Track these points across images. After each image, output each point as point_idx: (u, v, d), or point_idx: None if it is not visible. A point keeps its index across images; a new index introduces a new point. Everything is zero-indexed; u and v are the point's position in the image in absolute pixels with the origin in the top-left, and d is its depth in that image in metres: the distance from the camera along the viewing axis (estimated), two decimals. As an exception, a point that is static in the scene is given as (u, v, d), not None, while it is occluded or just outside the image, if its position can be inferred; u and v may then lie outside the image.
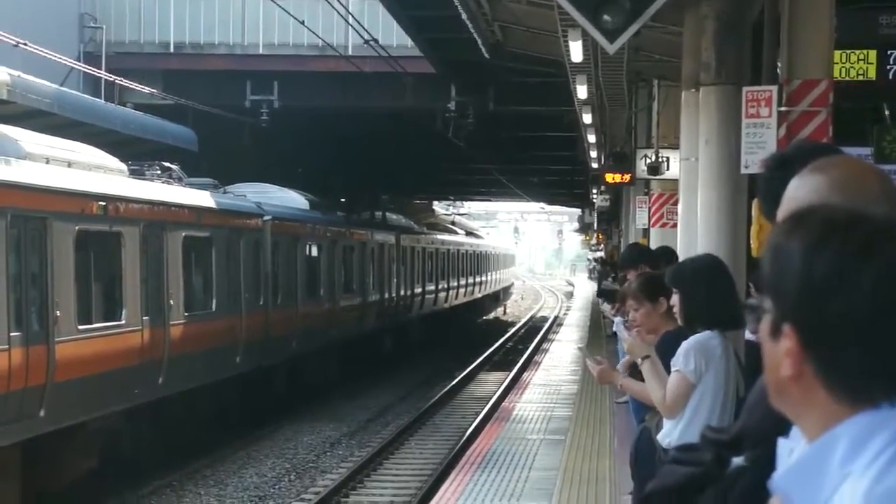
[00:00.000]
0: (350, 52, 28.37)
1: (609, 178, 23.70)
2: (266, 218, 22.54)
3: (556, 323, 46.34)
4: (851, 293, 1.52)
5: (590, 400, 19.16)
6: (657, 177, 19.02)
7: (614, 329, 8.95)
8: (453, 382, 28.06)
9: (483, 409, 22.75)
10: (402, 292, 35.16)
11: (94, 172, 16.21)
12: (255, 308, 21.59)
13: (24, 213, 13.74)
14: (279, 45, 30.34)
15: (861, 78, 12.36)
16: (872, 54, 12.37)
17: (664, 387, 5.94)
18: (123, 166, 17.65)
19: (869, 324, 1.51)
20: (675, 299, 5.95)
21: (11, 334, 13.16)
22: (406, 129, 35.99)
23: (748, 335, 7.30)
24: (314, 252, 26.11)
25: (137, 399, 16.55)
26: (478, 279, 53.02)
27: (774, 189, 2.77)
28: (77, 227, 14.96)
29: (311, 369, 25.82)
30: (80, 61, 26.78)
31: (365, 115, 33.52)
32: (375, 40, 24.96)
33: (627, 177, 22.31)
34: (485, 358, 34.35)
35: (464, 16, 17.50)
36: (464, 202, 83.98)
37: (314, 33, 26.60)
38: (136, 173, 18.31)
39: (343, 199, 34.79)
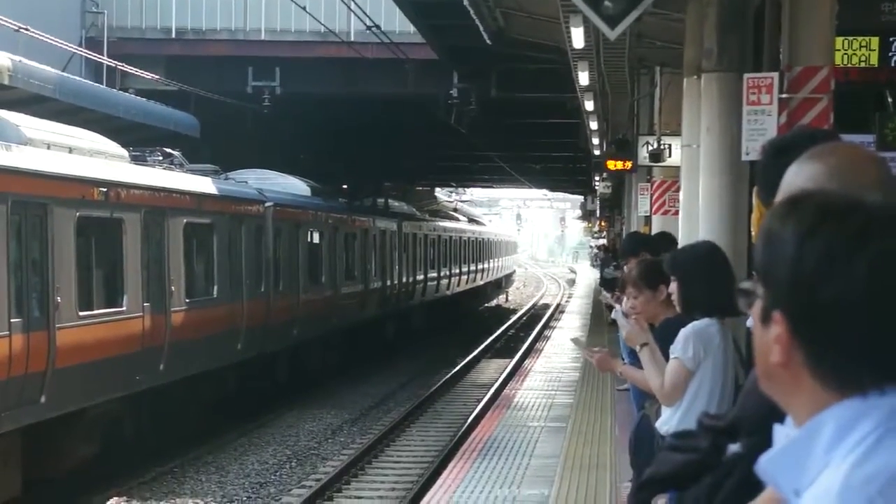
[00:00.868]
0: (352, 39, 28.37)
1: (611, 164, 23.68)
2: (268, 204, 22.52)
3: (559, 310, 46.34)
4: (843, 280, 1.51)
5: (591, 387, 19.16)
6: (659, 164, 19.01)
7: (613, 316, 8.93)
8: (455, 370, 28.06)
9: (484, 396, 22.76)
10: (403, 279, 35.14)
11: (96, 158, 16.19)
12: (257, 295, 21.58)
13: (25, 199, 13.73)
14: (281, 31, 30.31)
15: (863, 65, 12.33)
16: (875, 41, 12.35)
17: (662, 374, 5.93)
18: (125, 152, 17.63)
19: (860, 311, 1.50)
20: (673, 286, 5.94)
21: (12, 320, 13.16)
22: (408, 116, 35.98)
23: (749, 322, 7.28)
24: (316, 239, 26.09)
25: (138, 386, 16.55)
26: (480, 266, 52.99)
27: (772, 176, 2.76)
28: (78, 214, 14.95)
29: (312, 356, 25.83)
30: (81, 47, 26.75)
31: (367, 101, 33.50)
32: (377, 26, 24.97)
33: (629, 164, 22.28)
34: (486, 345, 34.35)
35: (465, 2, 17.48)
36: (466, 189, 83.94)
37: (316, 19, 26.58)
38: (137, 159, 18.28)
39: (345, 186, 34.80)
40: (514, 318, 47.24)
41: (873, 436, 1.48)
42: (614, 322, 8.95)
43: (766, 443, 1.83)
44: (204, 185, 19.88)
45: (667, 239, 10.92)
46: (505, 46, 21.54)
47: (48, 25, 23.08)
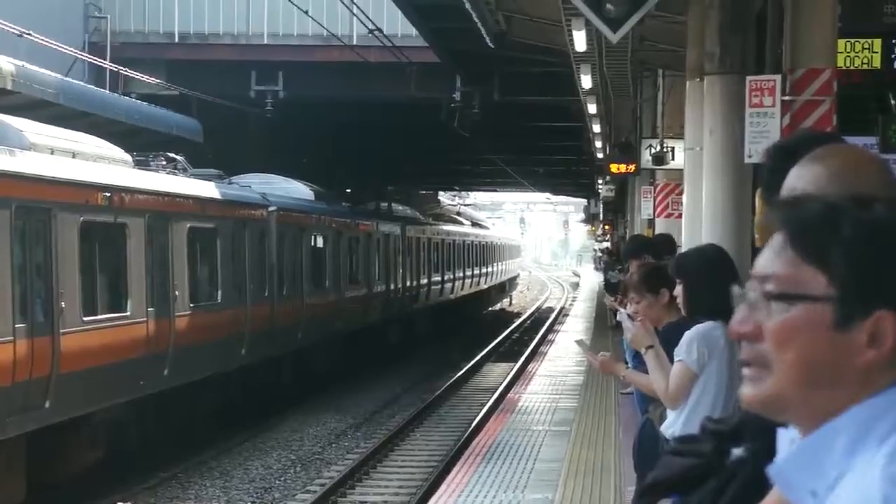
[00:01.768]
0: (355, 42, 28.34)
1: (614, 168, 23.69)
2: (271, 209, 22.52)
3: (562, 314, 46.31)
4: None
5: (595, 391, 19.15)
6: (662, 167, 19.01)
7: (618, 319, 8.93)
8: (459, 373, 28.05)
9: (489, 400, 22.75)
10: (407, 283, 35.12)
11: (99, 163, 16.19)
12: (261, 299, 21.58)
13: (29, 204, 13.73)
14: (284, 35, 30.31)
15: (866, 67, 12.32)
16: (877, 43, 12.33)
17: (667, 377, 5.92)
18: (128, 157, 17.63)
19: None
20: (678, 290, 5.93)
21: (16, 325, 13.16)
22: (411, 120, 35.95)
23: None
24: (319, 243, 26.08)
25: (143, 391, 16.55)
26: (484, 270, 52.97)
27: (776, 179, 2.75)
28: (82, 218, 14.95)
29: (316, 361, 25.82)
30: (84, 51, 26.77)
31: (370, 105, 33.48)
32: (380, 30, 24.94)
33: (633, 167, 22.30)
34: (490, 349, 34.34)
35: (467, 5, 17.47)
36: (469, 192, 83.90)
37: (319, 23, 26.57)
38: (140, 164, 18.28)
39: (348, 190, 34.78)
40: (518, 321, 47.23)
41: None
42: (618, 325, 8.95)
43: (770, 447, 1.82)
44: (207, 189, 19.88)
45: (667, 241, 10.92)
46: (507, 50, 21.52)
47: (51, 30, 23.10)
